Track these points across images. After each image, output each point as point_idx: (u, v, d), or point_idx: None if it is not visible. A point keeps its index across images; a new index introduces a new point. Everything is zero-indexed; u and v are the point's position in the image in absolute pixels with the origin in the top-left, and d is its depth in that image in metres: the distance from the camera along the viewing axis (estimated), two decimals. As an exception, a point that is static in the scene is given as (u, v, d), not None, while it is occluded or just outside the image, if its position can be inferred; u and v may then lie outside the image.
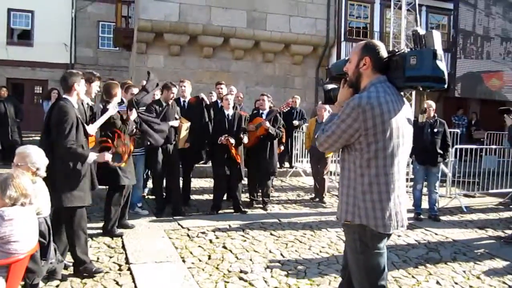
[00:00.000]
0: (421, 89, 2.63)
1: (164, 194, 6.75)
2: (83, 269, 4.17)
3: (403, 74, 2.53)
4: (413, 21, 12.87)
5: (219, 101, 7.79)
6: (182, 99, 7.32)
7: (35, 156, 3.47)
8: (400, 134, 2.51)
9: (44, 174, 3.56)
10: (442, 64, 2.50)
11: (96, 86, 4.89)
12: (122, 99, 5.62)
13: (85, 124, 4.23)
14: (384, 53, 2.60)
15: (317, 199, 8.03)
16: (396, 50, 2.65)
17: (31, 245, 2.87)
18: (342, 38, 14.69)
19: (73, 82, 4.10)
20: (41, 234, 3.33)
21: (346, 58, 2.76)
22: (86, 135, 4.23)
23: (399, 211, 2.56)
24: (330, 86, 2.98)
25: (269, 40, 14.01)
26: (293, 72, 14.86)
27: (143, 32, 12.96)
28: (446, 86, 2.59)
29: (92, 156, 4.15)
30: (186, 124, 6.83)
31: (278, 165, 7.93)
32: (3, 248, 2.71)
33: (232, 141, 6.61)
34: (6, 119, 9.84)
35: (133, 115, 5.41)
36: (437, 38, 2.56)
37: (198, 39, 13.44)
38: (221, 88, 8.03)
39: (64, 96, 4.16)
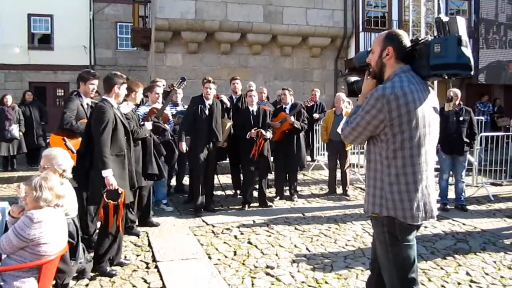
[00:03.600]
0: (446, 77, 2.56)
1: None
2: (98, 268, 4.18)
3: (427, 63, 2.47)
4: (432, 8, 12.65)
5: (233, 96, 7.65)
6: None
7: (61, 158, 3.52)
8: (427, 124, 2.46)
9: (70, 176, 3.61)
10: (468, 51, 2.44)
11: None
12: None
13: (126, 124, 4.30)
14: (407, 42, 2.55)
15: (332, 193, 7.94)
16: (419, 39, 2.59)
17: (61, 246, 2.91)
18: (360, 29, 14.48)
19: (114, 83, 4.20)
20: (70, 234, 3.38)
21: (369, 49, 2.71)
22: (127, 134, 4.30)
23: (427, 201, 2.52)
24: (353, 79, 2.94)
25: (286, 33, 13.95)
26: (311, 65, 14.77)
27: (160, 31, 13.05)
28: (472, 73, 2.53)
29: (106, 173, 3.94)
30: (229, 123, 6.86)
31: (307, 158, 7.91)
32: (33, 250, 2.76)
33: (264, 132, 6.62)
34: (32, 122, 10.02)
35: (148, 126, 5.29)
36: (461, 24, 2.50)
37: (215, 35, 13.47)
38: (237, 83, 7.71)
39: (103, 96, 4.25)
